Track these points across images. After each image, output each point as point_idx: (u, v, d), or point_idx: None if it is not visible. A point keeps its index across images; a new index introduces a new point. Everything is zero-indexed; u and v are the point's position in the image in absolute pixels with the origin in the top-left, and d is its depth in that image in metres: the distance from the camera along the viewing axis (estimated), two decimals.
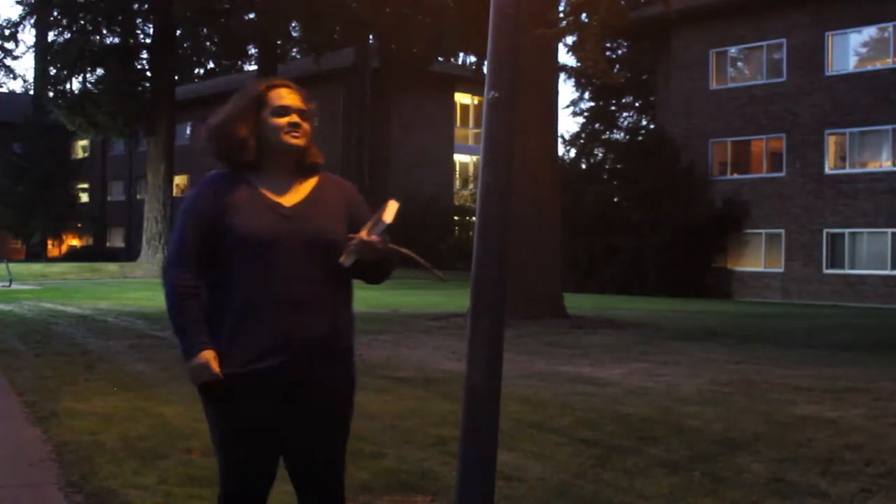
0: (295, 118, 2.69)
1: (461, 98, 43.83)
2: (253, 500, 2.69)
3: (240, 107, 2.72)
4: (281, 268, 2.61)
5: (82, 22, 34.76)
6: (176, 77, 39.20)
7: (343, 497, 2.78)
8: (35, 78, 54.03)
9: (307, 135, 2.71)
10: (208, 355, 2.56)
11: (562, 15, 15.21)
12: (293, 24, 35.51)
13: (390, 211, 2.63)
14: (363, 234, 2.61)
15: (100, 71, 36.42)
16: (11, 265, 29.70)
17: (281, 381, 2.60)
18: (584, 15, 14.62)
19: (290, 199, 2.69)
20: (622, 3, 14.33)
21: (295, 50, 43.32)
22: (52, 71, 38.50)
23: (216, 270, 2.64)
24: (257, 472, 2.68)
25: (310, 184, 2.74)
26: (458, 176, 44.20)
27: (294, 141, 2.68)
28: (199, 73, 55.98)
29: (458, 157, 43.98)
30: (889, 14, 24.32)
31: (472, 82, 38.10)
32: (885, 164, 24.60)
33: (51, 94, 37.82)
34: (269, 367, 2.58)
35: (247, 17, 35.54)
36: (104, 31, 35.66)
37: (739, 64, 28.07)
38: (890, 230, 24.14)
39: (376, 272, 2.75)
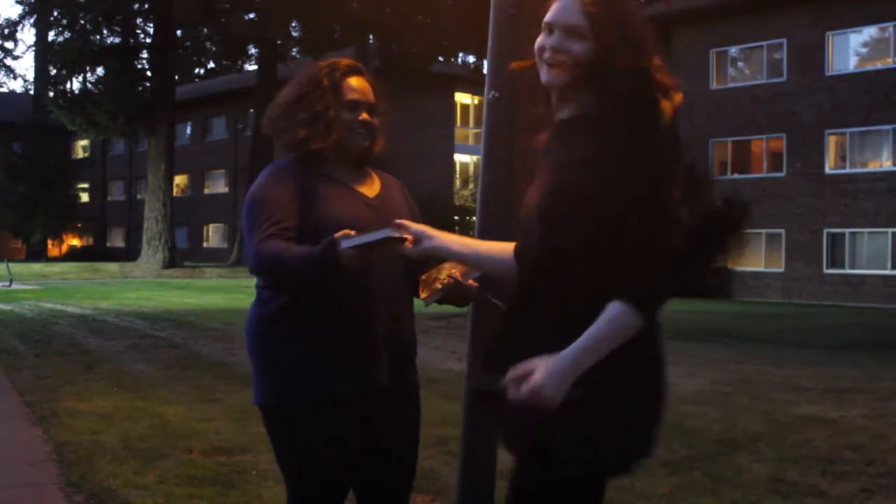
0: (365, 116, 2.54)
1: (461, 98, 43.83)
2: None
3: (322, 96, 2.51)
4: (375, 264, 2.41)
5: (82, 22, 34.76)
6: (176, 77, 39.20)
7: None
8: (35, 78, 54.05)
9: (374, 132, 2.57)
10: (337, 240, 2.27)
11: None
12: (293, 24, 35.50)
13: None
14: (457, 273, 2.35)
15: (100, 71, 36.43)
16: (12, 265, 29.68)
17: (371, 391, 2.46)
18: None
19: (370, 190, 2.57)
20: None
21: (295, 50, 43.30)
22: (52, 71, 38.49)
23: None
24: (339, 489, 2.53)
25: (376, 177, 2.64)
26: (458, 176, 44.20)
27: (360, 141, 2.54)
28: (199, 73, 56.01)
29: (458, 157, 43.99)
30: (889, 14, 24.32)
31: (472, 82, 38.08)
32: (886, 164, 24.60)
33: (51, 93, 37.78)
34: (361, 377, 2.43)
35: (247, 17, 35.54)
36: (104, 31, 35.66)
37: (740, 64, 28.07)
38: (890, 230, 24.13)
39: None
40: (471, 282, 2.39)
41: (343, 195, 2.49)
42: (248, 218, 2.45)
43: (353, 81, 2.55)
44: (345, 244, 2.23)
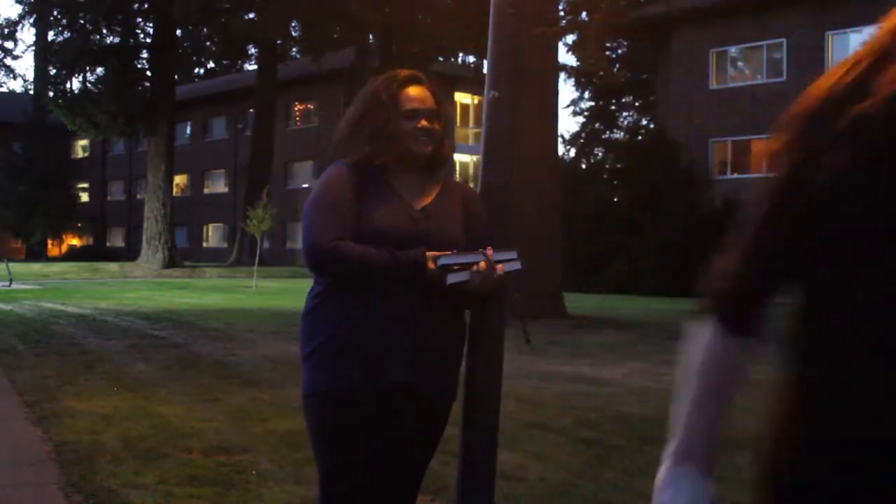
0: (424, 123, 2.58)
1: (461, 98, 43.84)
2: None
3: (381, 110, 2.57)
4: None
5: (82, 21, 34.77)
6: (176, 77, 39.21)
7: None
8: (35, 78, 54.04)
9: (437, 137, 2.61)
10: (425, 254, 2.45)
11: (562, 13, 15.22)
12: (293, 24, 35.52)
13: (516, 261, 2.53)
14: (494, 264, 2.46)
15: (100, 71, 36.42)
16: (11, 265, 29.68)
17: (405, 394, 2.50)
18: (584, 14, 14.62)
19: (420, 200, 2.59)
20: (622, 2, 14.31)
21: (295, 50, 43.32)
22: (52, 70, 38.49)
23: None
24: (362, 483, 2.58)
25: (437, 185, 2.65)
26: (458, 176, 44.20)
27: (423, 148, 2.58)
28: (199, 73, 56.02)
29: (458, 157, 43.99)
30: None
31: (472, 82, 38.13)
32: None
33: (51, 93, 37.79)
34: (397, 379, 2.47)
35: (247, 17, 35.56)
36: (104, 31, 35.66)
37: (740, 64, 28.08)
38: None
39: (478, 302, 2.62)
40: (500, 267, 2.48)
41: (390, 205, 2.53)
42: (316, 215, 2.49)
43: (412, 91, 2.61)
44: (441, 262, 2.42)
